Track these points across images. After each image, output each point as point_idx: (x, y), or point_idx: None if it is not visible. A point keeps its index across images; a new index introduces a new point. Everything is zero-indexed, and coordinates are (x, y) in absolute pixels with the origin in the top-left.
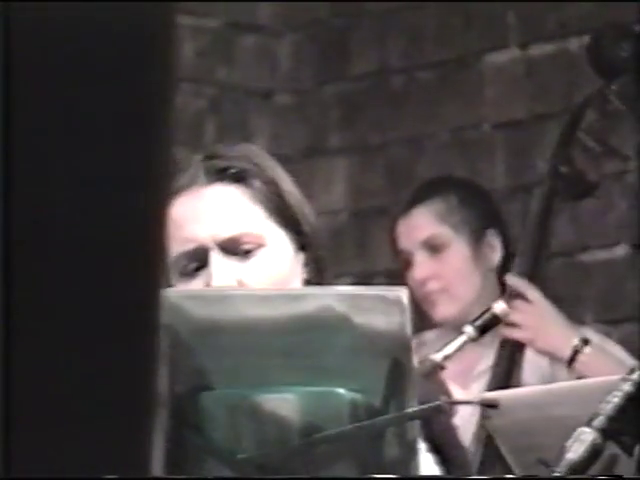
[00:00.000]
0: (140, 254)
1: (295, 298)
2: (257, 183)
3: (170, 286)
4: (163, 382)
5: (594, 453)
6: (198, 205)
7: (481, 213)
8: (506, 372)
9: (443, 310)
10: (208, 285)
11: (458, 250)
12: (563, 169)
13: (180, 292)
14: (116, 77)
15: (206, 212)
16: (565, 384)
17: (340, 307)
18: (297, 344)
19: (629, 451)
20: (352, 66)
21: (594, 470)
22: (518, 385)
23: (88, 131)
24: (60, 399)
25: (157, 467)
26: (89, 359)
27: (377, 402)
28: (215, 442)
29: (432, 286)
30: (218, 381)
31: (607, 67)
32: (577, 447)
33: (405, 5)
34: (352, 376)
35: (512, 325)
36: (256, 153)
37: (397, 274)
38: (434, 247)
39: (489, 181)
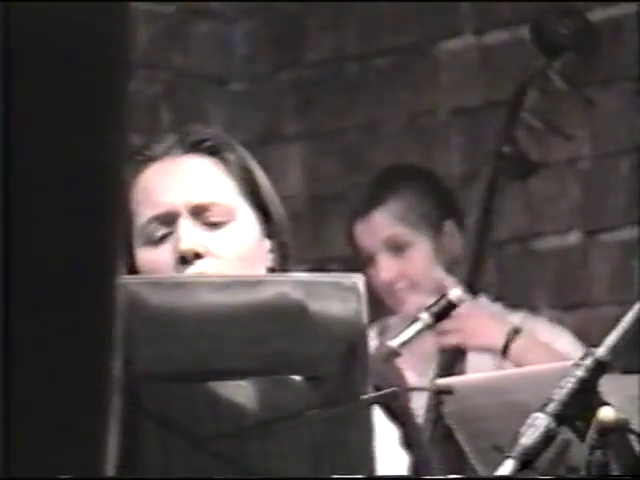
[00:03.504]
0: (96, 241)
1: (251, 285)
2: (232, 158)
3: (133, 257)
4: (118, 370)
5: (548, 438)
6: (172, 172)
7: (439, 205)
8: (451, 361)
9: (410, 306)
10: (175, 250)
11: (421, 247)
12: (507, 149)
13: (136, 279)
14: (69, 64)
15: (179, 179)
16: (519, 370)
17: (296, 294)
18: (253, 331)
19: (582, 436)
20: (307, 53)
21: (548, 455)
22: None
23: (40, 119)
24: (10, 391)
25: (111, 464)
26: (43, 347)
27: (333, 388)
28: (173, 427)
29: (399, 286)
30: (175, 368)
31: (549, 45)
32: (531, 432)
33: None
34: (308, 363)
35: (443, 333)
36: (228, 137)
37: (353, 260)
38: (397, 247)
39: (444, 167)
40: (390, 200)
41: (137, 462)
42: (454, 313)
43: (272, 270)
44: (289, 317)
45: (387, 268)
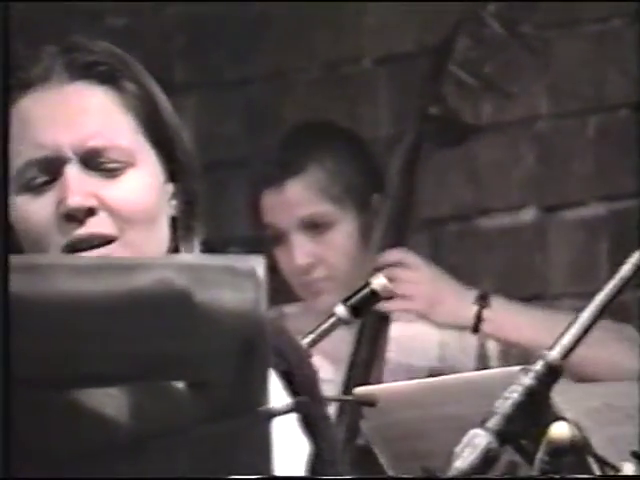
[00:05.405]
0: None
1: (126, 269)
2: (130, 86)
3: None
4: None
5: (488, 460)
6: (57, 104)
7: (364, 176)
8: (369, 350)
9: (329, 299)
10: (61, 202)
11: (344, 227)
12: (434, 110)
13: None
14: None
15: (67, 114)
16: (456, 377)
17: (180, 281)
18: (126, 326)
19: (529, 458)
20: None
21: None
22: (381, 365)
23: None
24: None
25: None
26: None
27: (224, 396)
28: (20, 444)
29: (317, 274)
30: (26, 372)
31: None
32: (468, 453)
33: None
34: (193, 366)
35: (398, 297)
36: (123, 53)
37: (257, 241)
38: (316, 226)
39: (370, 127)
40: (309, 168)
41: None
42: (408, 276)
43: (175, 220)
44: (171, 309)
45: (302, 252)
